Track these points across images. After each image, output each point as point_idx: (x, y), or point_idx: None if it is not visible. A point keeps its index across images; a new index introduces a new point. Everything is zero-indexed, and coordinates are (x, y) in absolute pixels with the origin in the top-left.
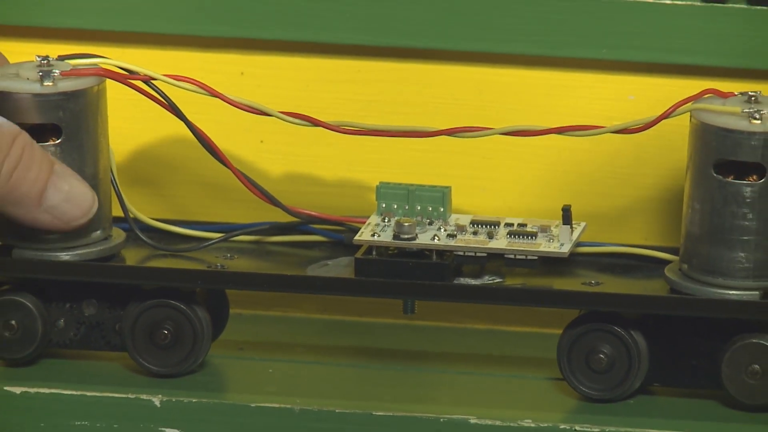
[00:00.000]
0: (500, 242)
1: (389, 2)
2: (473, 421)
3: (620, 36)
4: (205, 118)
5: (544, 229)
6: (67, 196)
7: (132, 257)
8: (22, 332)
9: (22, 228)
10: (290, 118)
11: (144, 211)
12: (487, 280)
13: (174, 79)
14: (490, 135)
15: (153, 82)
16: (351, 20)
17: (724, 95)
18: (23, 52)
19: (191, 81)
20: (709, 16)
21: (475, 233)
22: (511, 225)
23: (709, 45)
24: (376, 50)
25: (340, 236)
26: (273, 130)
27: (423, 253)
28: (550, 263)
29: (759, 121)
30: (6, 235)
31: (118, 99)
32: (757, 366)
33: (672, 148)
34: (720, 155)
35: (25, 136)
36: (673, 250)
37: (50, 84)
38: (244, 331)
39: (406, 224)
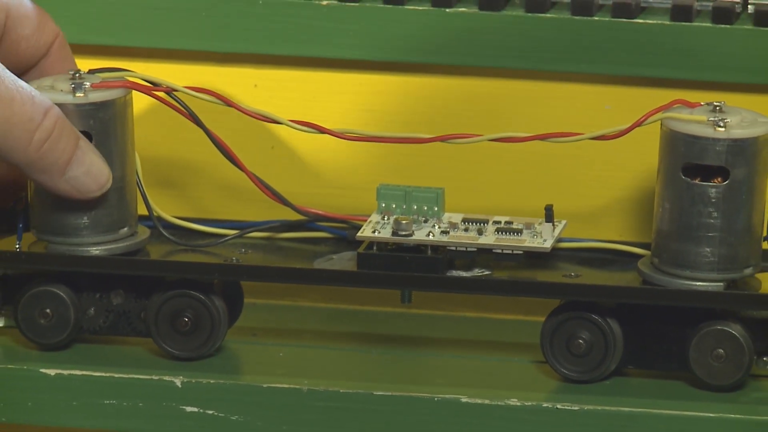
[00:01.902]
0: (489, 238)
1: (388, 22)
2: (464, 400)
3: (597, 51)
4: (222, 126)
5: (529, 227)
6: (88, 169)
7: (156, 252)
8: (56, 320)
9: (57, 225)
10: (299, 126)
11: (166, 210)
12: (477, 272)
13: (194, 90)
14: (480, 141)
15: (175, 93)
16: (354, 38)
17: (691, 105)
18: None
19: (209, 92)
20: (677, 33)
21: (466, 230)
22: (499, 222)
23: (677, 60)
24: (377, 65)
25: (343, 233)
26: (283, 137)
27: (419, 248)
28: (533, 257)
29: (723, 129)
30: (42, 231)
31: (143, 109)
32: (721, 350)
33: (644, 153)
34: (688, 159)
35: (56, 110)
36: (645, 246)
37: (82, 95)
38: (257, 319)
39: (404, 222)
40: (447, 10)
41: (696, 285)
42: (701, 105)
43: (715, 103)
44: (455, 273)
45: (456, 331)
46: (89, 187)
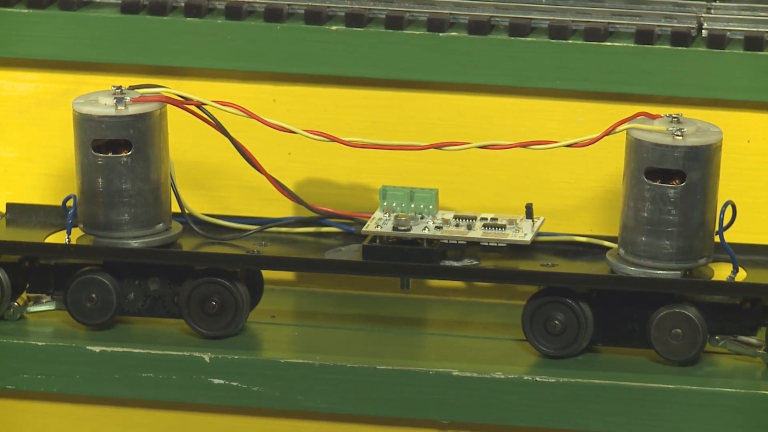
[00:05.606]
0: (477, 232)
1: (389, 45)
2: (455, 373)
3: (571, 70)
4: (245, 135)
5: (511, 222)
6: None
7: (187, 244)
8: (101, 303)
9: (102, 221)
10: (312, 135)
11: (197, 208)
12: (466, 262)
13: (220, 104)
14: (469, 148)
15: (204, 106)
16: (359, 59)
17: (653, 117)
18: (102, 83)
19: (234, 106)
20: (641, 54)
21: (457, 225)
22: (485, 219)
23: (640, 77)
24: (380, 82)
25: (350, 228)
26: (298, 145)
27: (416, 241)
28: (516, 249)
29: (681, 137)
30: (88, 226)
31: (176, 120)
32: (678, 330)
33: (612, 158)
34: (650, 164)
35: None
36: (612, 239)
37: (123, 108)
38: (275, 302)
39: (403, 218)
40: (440, 34)
41: (657, 273)
42: (661, 117)
43: (673, 115)
44: (447, 263)
45: (448, 313)
46: None
